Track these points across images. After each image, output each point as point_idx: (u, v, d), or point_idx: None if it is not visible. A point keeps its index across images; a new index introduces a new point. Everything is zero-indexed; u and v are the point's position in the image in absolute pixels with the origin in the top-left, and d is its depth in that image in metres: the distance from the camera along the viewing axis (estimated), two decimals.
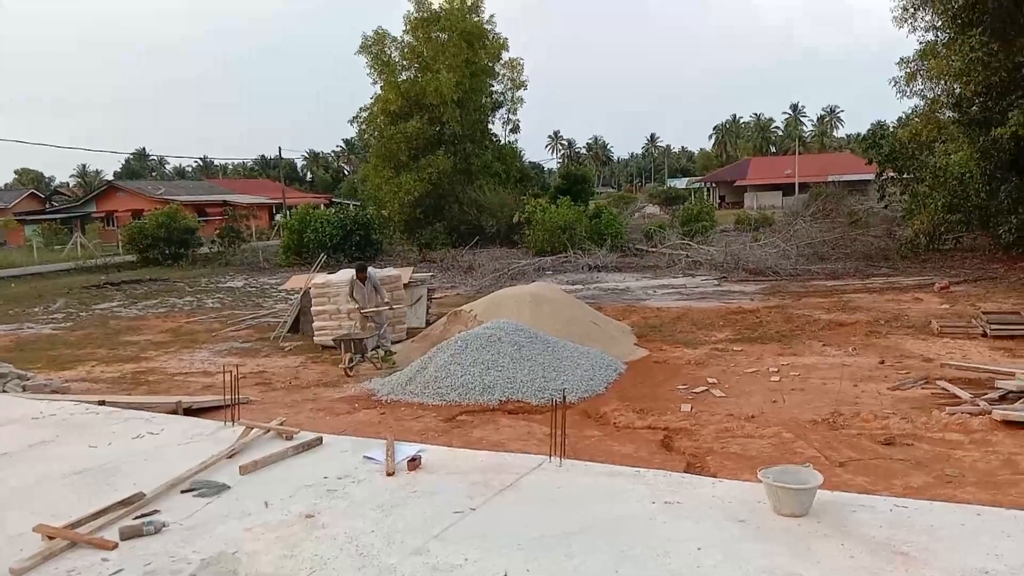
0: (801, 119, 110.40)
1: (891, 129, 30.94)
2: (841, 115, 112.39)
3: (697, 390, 9.48)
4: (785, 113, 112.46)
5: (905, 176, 24.72)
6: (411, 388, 9.92)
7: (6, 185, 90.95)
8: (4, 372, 11.09)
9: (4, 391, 9.85)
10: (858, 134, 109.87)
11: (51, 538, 4.06)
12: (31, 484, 4.97)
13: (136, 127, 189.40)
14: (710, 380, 9.91)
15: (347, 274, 13.61)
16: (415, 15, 35.51)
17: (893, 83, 22.72)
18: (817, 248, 23.62)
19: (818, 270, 21.34)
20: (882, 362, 10.54)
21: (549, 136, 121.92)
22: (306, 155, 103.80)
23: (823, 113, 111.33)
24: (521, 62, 37.73)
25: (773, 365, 10.59)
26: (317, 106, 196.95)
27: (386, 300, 12.56)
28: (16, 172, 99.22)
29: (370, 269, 12.93)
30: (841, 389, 9.22)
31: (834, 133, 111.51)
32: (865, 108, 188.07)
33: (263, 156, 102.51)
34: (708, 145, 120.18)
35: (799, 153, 78.16)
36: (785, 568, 3.44)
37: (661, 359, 11.46)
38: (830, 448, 7.17)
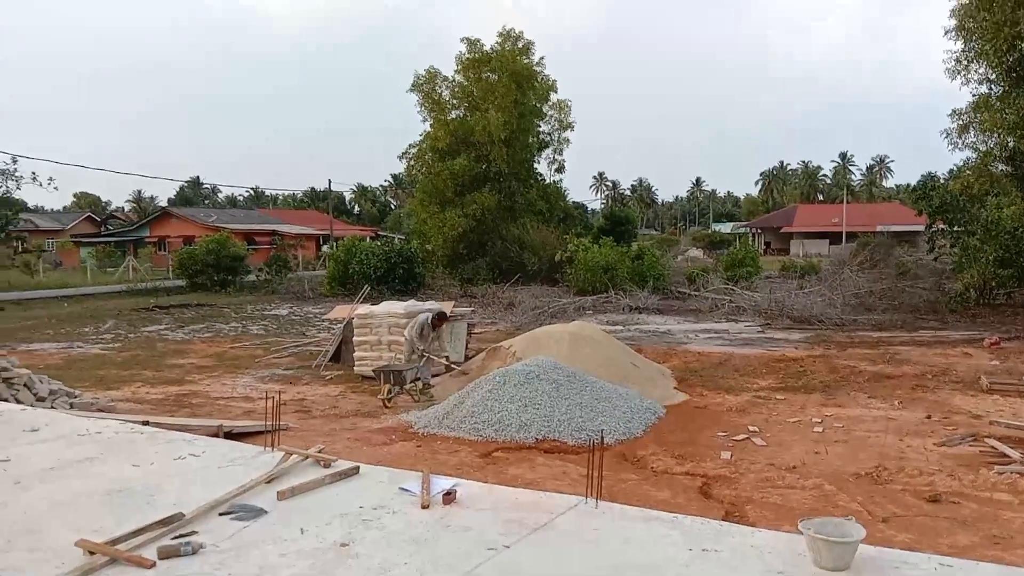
0: (850, 168, 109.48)
1: (942, 181, 30.46)
2: (891, 165, 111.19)
3: (738, 437, 9.35)
4: (833, 161, 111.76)
5: (956, 229, 24.28)
6: (448, 422, 9.94)
7: (64, 208, 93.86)
8: (54, 389, 11.39)
9: (53, 407, 10.09)
10: (908, 184, 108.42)
11: (92, 553, 4.12)
12: (74, 499, 5.06)
13: (190, 156, 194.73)
14: (751, 428, 9.77)
15: (394, 307, 13.79)
16: (467, 56, 36.16)
17: (945, 135, 22.46)
18: (864, 298, 23.25)
19: (864, 320, 20.98)
20: (929, 417, 10.30)
21: (594, 176, 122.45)
22: (354, 188, 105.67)
23: (872, 163, 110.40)
24: (569, 103, 38.12)
25: (816, 415, 10.41)
26: (368, 141, 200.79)
27: (446, 354, 12.80)
28: (75, 196, 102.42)
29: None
30: (886, 443, 9.02)
31: (883, 183, 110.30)
32: (916, 159, 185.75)
33: (313, 188, 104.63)
34: (754, 191, 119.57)
35: (847, 202, 77.23)
36: None
37: (701, 404, 11.34)
38: (873, 503, 7.00)
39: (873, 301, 23.16)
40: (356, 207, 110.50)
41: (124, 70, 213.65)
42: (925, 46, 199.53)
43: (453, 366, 12.92)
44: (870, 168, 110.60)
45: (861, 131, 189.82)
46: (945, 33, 21.56)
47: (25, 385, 11.01)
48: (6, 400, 9.85)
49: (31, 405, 9.48)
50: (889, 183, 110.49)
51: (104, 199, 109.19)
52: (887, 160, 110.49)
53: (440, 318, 12.67)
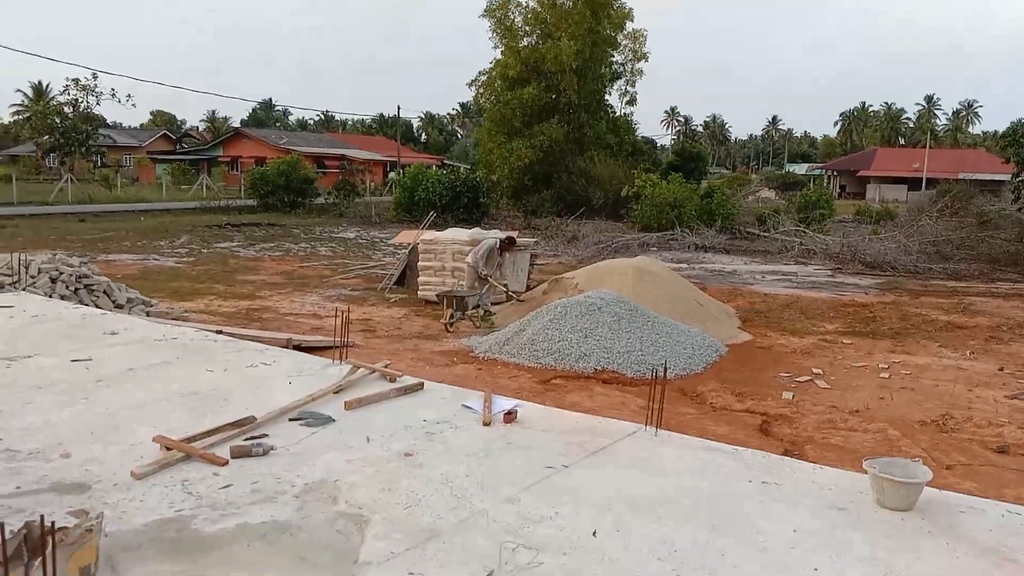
0: (935, 112, 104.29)
1: None
2: (979, 110, 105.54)
3: (801, 379, 9.23)
4: (918, 105, 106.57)
5: None
6: (508, 348, 10.04)
7: (142, 125, 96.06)
8: (131, 298, 11.85)
9: (130, 315, 10.50)
10: (996, 131, 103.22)
11: (168, 449, 4.32)
12: (151, 399, 5.29)
13: (264, 79, 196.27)
14: (815, 370, 9.63)
15: (459, 234, 13.83)
16: None
17: None
18: (941, 247, 22.42)
19: (940, 269, 20.29)
20: (1001, 369, 9.99)
21: (665, 111, 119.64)
22: (422, 116, 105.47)
23: (960, 107, 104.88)
24: (644, 33, 37.12)
25: (883, 362, 10.19)
26: (437, 68, 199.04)
27: (505, 281, 12.79)
28: (152, 113, 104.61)
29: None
30: (954, 392, 8.80)
31: (970, 129, 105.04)
32: (1006, 105, 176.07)
33: (381, 114, 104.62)
34: (833, 132, 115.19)
35: (930, 147, 73.90)
36: (884, 560, 3.33)
37: (765, 345, 11.20)
38: (938, 450, 6.87)
39: (950, 250, 22.30)
40: (423, 135, 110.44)
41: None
42: None
43: (512, 294, 12.95)
44: (956, 113, 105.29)
45: (950, 74, 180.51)
46: None
47: (104, 292, 11.48)
48: (87, 305, 10.30)
49: (110, 311, 9.88)
50: (976, 129, 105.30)
51: (179, 118, 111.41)
52: (975, 105, 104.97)
53: (508, 243, 12.66)
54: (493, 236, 13.06)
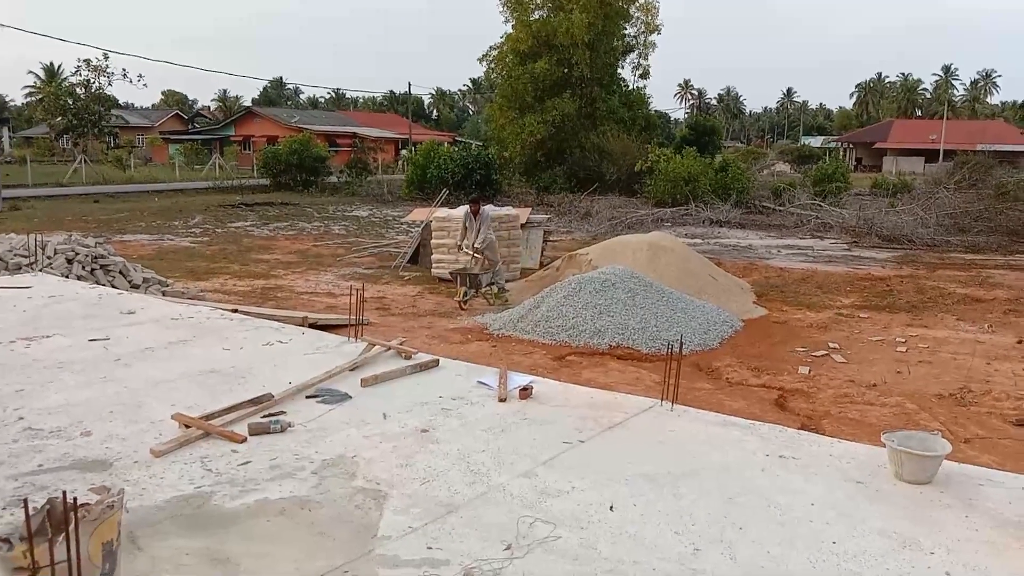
0: (952, 82, 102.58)
1: None
2: (997, 80, 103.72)
3: (817, 353, 9.19)
4: (935, 75, 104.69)
5: None
6: (522, 325, 10.04)
7: (153, 105, 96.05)
8: (147, 278, 11.91)
9: (146, 295, 10.56)
10: (1015, 102, 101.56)
11: (187, 427, 4.36)
12: (170, 378, 5.33)
13: (274, 57, 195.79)
14: (831, 345, 9.58)
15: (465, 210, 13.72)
16: None
17: None
18: (958, 219, 22.15)
19: (957, 242, 20.09)
20: (1020, 342, 9.91)
21: (679, 85, 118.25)
22: (433, 93, 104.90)
23: (977, 77, 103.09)
24: (656, 5, 36.57)
25: (900, 335, 10.13)
26: (447, 43, 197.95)
27: (489, 237, 12.09)
28: (163, 93, 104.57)
29: (486, 207, 12.83)
30: (973, 366, 8.74)
31: (988, 100, 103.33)
32: None
33: (392, 92, 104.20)
34: (848, 103, 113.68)
35: (947, 118, 72.89)
36: (903, 533, 3.32)
37: (780, 319, 11.14)
38: (956, 423, 6.84)
39: (968, 222, 22.02)
40: (435, 112, 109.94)
41: None
42: None
43: (487, 257, 12.24)
44: (974, 83, 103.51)
45: (967, 43, 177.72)
46: None
47: (120, 272, 11.54)
48: (103, 285, 10.36)
49: (126, 291, 9.94)
50: (994, 99, 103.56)
51: (191, 97, 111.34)
52: (993, 75, 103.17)
53: (474, 202, 12.32)
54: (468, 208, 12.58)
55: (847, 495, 3.68)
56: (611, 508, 3.50)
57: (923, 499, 3.66)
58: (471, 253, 11.96)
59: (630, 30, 37.20)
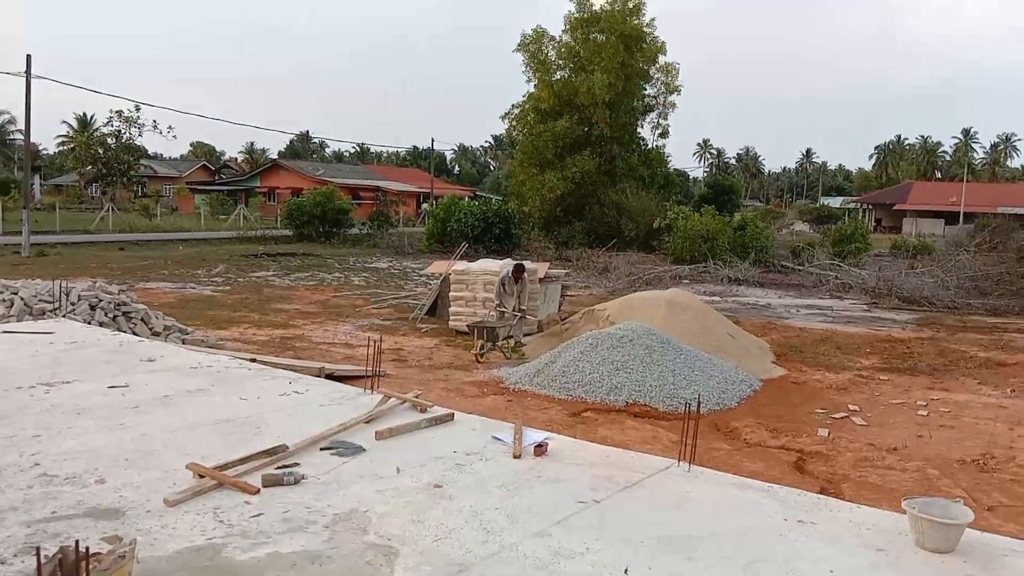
0: (972, 145, 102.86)
1: None
2: (1017, 143, 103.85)
3: (837, 416, 9.06)
4: (955, 138, 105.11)
5: None
6: (539, 380, 10.00)
7: (181, 156, 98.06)
8: (168, 325, 12.02)
9: (166, 342, 10.65)
10: None
11: (201, 476, 4.35)
12: (186, 427, 5.35)
13: (301, 111, 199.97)
14: (851, 407, 9.45)
15: (490, 265, 13.81)
16: (575, 15, 35.67)
17: None
18: (979, 282, 21.98)
19: (978, 305, 19.89)
20: None
21: (698, 144, 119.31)
22: (455, 148, 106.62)
23: (997, 140, 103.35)
24: (677, 67, 37.22)
25: (922, 399, 9.98)
26: (470, 101, 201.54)
27: (523, 307, 12.59)
28: (191, 144, 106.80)
29: (531, 266, 13.04)
30: (995, 431, 8.58)
31: (1008, 163, 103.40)
32: None
33: (415, 147, 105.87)
34: (867, 165, 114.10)
35: (967, 180, 72.86)
36: None
37: (800, 380, 11.03)
38: (979, 490, 6.69)
39: (989, 285, 21.84)
40: (456, 167, 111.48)
41: (242, 26, 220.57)
42: None
43: (529, 316, 12.85)
44: (994, 146, 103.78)
45: (986, 107, 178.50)
46: None
47: (142, 320, 11.66)
48: (125, 332, 10.47)
49: (147, 338, 10.03)
50: (1014, 163, 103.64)
51: (218, 149, 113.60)
52: (1013, 138, 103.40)
53: (518, 270, 12.56)
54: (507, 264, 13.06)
55: (868, 563, 3.60)
56: (625, 572, 3.44)
57: (945, 569, 3.57)
58: (516, 314, 12.31)
59: (650, 90, 37.81)
